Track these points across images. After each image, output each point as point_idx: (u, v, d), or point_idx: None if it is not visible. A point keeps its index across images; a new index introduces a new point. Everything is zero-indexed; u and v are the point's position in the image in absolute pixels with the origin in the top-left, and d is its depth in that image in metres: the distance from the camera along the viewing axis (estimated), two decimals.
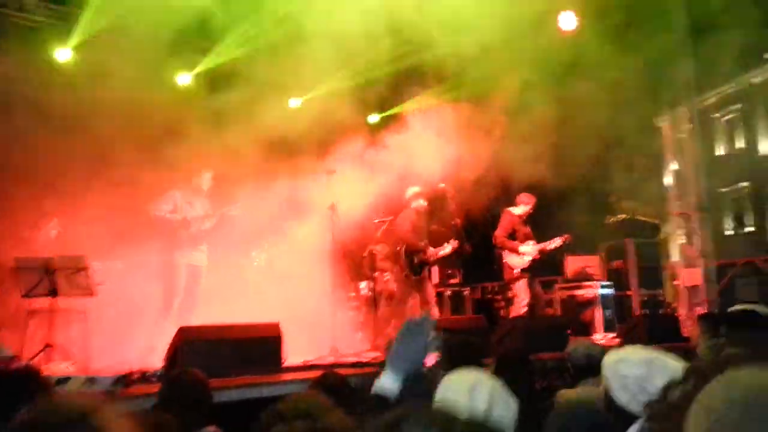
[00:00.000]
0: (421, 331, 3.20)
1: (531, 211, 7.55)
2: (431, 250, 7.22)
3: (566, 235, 7.48)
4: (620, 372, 2.08)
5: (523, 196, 7.61)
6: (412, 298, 7.09)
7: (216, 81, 9.46)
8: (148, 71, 8.60)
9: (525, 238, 7.41)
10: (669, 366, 1.96)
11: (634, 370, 2.02)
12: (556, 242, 7.41)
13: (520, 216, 7.50)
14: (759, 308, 3.87)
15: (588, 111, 10.62)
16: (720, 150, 23.07)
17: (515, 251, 7.33)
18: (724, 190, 22.37)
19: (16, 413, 2.24)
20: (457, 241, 7.22)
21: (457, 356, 3.17)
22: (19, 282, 5.23)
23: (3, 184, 6.71)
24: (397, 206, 7.78)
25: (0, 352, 4.56)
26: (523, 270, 7.32)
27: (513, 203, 7.66)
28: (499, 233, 7.42)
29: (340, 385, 2.65)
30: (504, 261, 7.49)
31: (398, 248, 7.11)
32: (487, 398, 1.83)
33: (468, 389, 1.87)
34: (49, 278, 5.12)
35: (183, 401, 2.48)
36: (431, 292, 7.33)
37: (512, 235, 7.42)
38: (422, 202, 7.31)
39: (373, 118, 11.00)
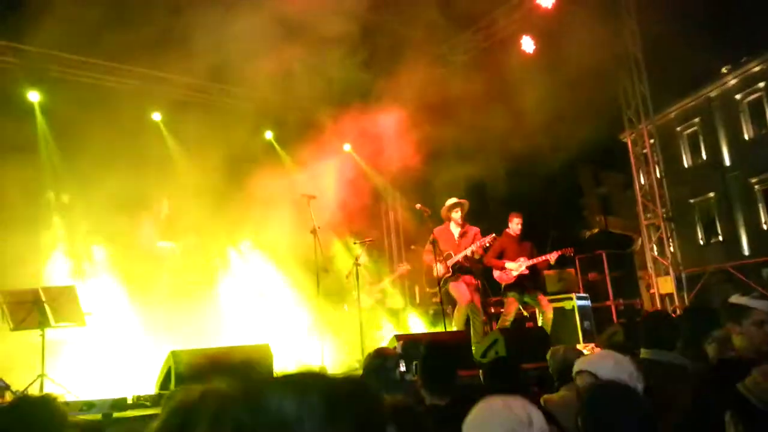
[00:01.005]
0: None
1: (517, 230, 7.90)
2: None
3: (567, 249, 7.80)
4: None
5: (512, 216, 8.05)
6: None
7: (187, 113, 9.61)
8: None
9: (516, 256, 7.78)
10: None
11: None
12: (552, 256, 7.71)
13: (510, 236, 7.91)
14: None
15: (556, 128, 11.03)
16: (686, 162, 23.78)
17: (501, 268, 7.77)
18: (692, 200, 23.03)
19: None
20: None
21: (431, 366, 3.28)
22: (8, 315, 5.25)
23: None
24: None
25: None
26: (510, 285, 7.74)
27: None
28: (488, 254, 7.81)
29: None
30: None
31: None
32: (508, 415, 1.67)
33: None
34: (38, 310, 5.16)
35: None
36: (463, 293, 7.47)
37: (500, 255, 7.83)
38: (456, 214, 7.63)
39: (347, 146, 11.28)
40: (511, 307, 7.79)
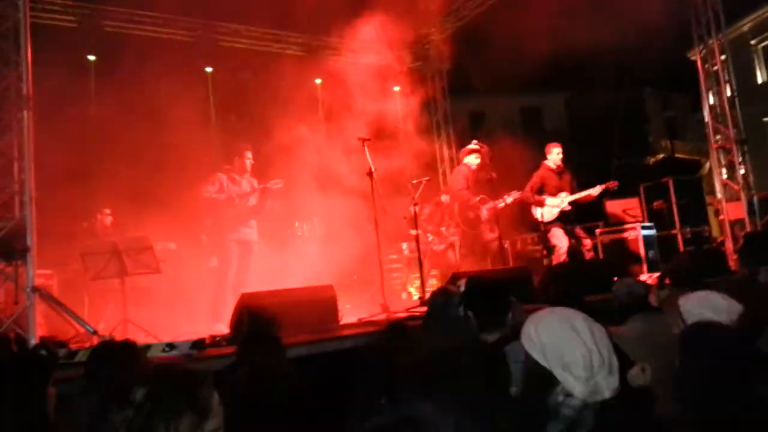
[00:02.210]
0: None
1: (562, 158, 7.56)
2: (489, 204, 7.41)
3: (610, 182, 7.45)
4: None
5: (550, 146, 7.65)
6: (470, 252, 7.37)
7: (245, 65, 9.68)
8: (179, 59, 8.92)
9: (557, 190, 7.46)
10: None
11: None
12: (595, 190, 7.41)
13: (550, 168, 7.56)
14: None
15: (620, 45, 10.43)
16: (760, 78, 22.20)
17: (541, 204, 7.47)
18: (766, 119, 21.62)
19: (116, 381, 2.52)
20: (518, 192, 7.38)
21: (479, 300, 3.29)
22: (87, 266, 5.63)
23: (57, 181, 7.11)
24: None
25: (86, 327, 4.94)
26: (552, 221, 7.43)
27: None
28: (526, 189, 7.53)
29: (405, 331, 2.87)
30: (534, 213, 7.62)
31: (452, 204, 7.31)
32: (585, 323, 1.73)
33: (568, 323, 1.76)
34: (116, 260, 5.51)
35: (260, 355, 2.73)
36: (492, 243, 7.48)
37: (541, 189, 7.52)
38: (476, 158, 7.53)
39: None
40: (562, 240, 7.40)
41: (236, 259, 6.38)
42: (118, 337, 4.72)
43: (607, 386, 1.64)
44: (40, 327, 5.07)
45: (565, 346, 1.69)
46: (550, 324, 1.77)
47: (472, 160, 7.61)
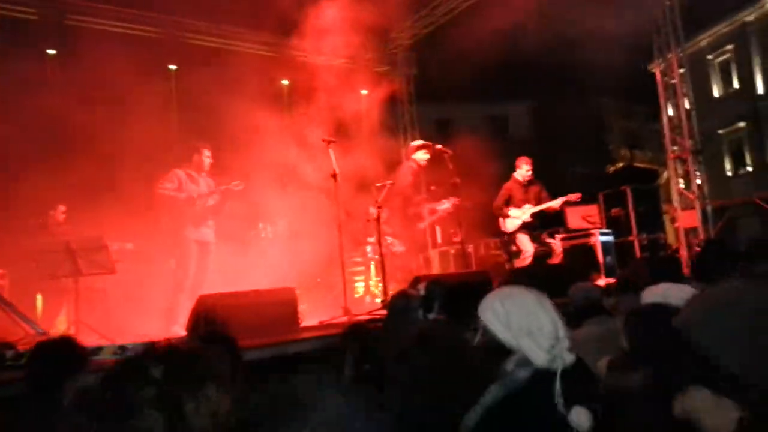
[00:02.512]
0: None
1: (527, 175, 7.96)
2: (429, 205, 7.46)
3: (575, 194, 7.87)
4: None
5: (519, 160, 8.08)
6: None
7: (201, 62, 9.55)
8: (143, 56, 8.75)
9: (522, 203, 7.93)
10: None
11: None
12: (556, 202, 7.85)
13: (518, 181, 8.01)
14: None
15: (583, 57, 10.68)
16: (716, 91, 22.98)
17: (505, 216, 8.01)
18: (721, 131, 22.39)
19: (59, 381, 2.47)
20: (458, 198, 7.45)
21: (452, 304, 3.34)
22: (39, 265, 5.45)
23: (10, 175, 6.90)
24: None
25: (34, 329, 4.78)
26: (514, 231, 7.97)
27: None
28: (495, 202, 8.09)
29: (365, 333, 2.86)
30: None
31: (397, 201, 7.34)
32: (548, 300, 1.92)
33: (534, 297, 1.94)
34: (69, 259, 5.34)
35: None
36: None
37: (508, 201, 8.00)
38: (424, 154, 7.54)
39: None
40: (528, 246, 7.89)
41: (195, 260, 6.25)
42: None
43: (567, 358, 1.77)
44: None
45: (533, 315, 1.82)
46: (518, 296, 1.91)
47: (421, 156, 7.57)
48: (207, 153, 6.50)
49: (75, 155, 7.81)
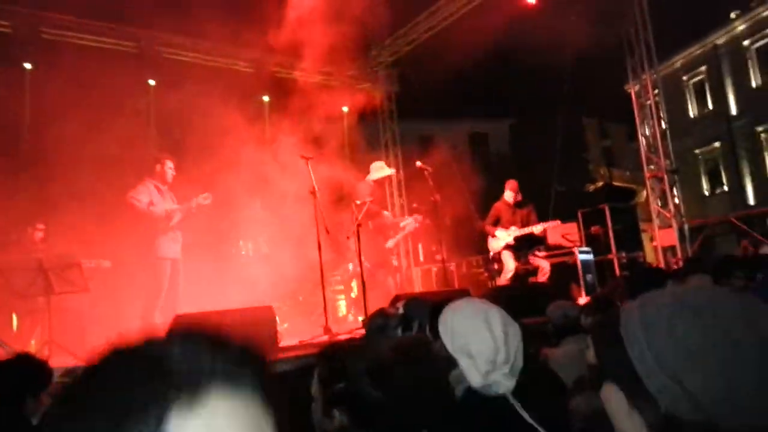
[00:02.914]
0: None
1: (517, 196, 8.19)
2: (390, 217, 7.56)
3: (555, 221, 8.24)
4: None
5: (507, 183, 8.29)
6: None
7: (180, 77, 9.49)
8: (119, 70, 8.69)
9: (509, 224, 8.09)
10: None
11: None
12: (537, 228, 7.98)
13: (506, 203, 8.19)
14: None
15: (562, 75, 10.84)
16: (692, 112, 23.45)
17: (492, 235, 8.15)
18: (698, 151, 22.82)
19: (22, 399, 2.39)
20: (422, 216, 7.81)
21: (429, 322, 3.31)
22: (12, 283, 5.32)
23: None
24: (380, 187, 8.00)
25: (5, 348, 4.65)
26: (498, 251, 8.12)
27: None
28: (485, 221, 8.27)
29: (336, 352, 2.81)
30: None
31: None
32: (500, 320, 1.79)
33: (483, 315, 1.83)
34: (42, 277, 5.22)
35: None
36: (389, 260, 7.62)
37: (497, 221, 8.16)
38: (388, 171, 7.71)
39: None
40: (510, 263, 7.98)
41: (167, 278, 6.13)
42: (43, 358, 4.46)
43: (505, 385, 1.71)
44: None
45: (472, 336, 1.75)
46: (463, 312, 1.84)
47: (386, 173, 7.75)
48: (170, 164, 6.37)
49: (53, 170, 7.70)
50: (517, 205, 8.19)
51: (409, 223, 7.75)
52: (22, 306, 6.15)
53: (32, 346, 5.35)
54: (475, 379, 1.72)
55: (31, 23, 8.38)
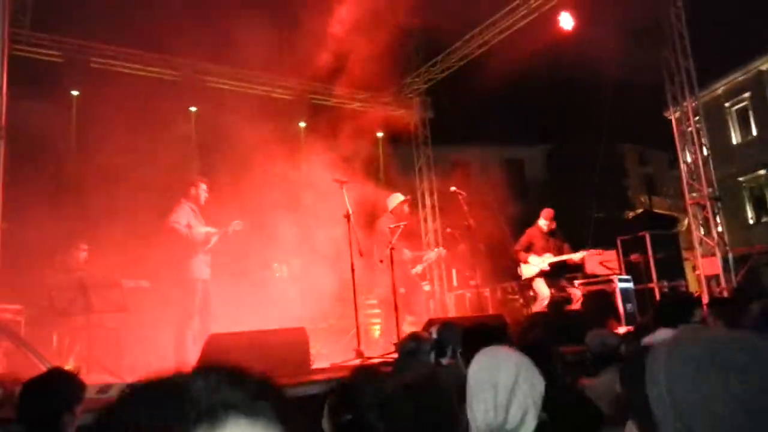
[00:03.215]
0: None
1: (551, 225, 8.08)
2: (413, 253, 7.59)
3: (598, 250, 8.37)
4: None
5: (543, 211, 8.19)
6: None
7: (221, 104, 9.74)
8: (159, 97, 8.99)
9: (543, 251, 7.99)
10: None
11: None
12: (576, 255, 7.93)
13: (541, 230, 8.10)
14: None
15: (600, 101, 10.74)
16: (735, 139, 22.88)
17: (525, 261, 8.06)
18: (742, 178, 22.17)
19: (58, 416, 2.42)
20: (444, 251, 7.95)
21: (472, 340, 3.27)
22: (54, 300, 5.46)
23: (32, 210, 6.99)
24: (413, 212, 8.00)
25: (46, 366, 4.75)
26: (531, 277, 8.01)
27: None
28: (516, 246, 8.21)
29: (373, 377, 2.78)
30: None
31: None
32: (514, 370, 1.79)
33: (494, 361, 1.86)
34: (83, 296, 5.35)
35: None
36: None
37: (529, 248, 8.08)
38: (405, 209, 7.61)
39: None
40: (544, 290, 7.88)
41: (199, 298, 6.19)
42: (83, 377, 4.54)
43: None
44: None
45: (472, 396, 1.78)
46: (476, 370, 1.84)
47: (399, 209, 7.62)
48: (203, 187, 6.48)
49: (97, 192, 7.94)
50: (551, 233, 8.09)
51: (431, 257, 7.80)
52: (62, 325, 6.29)
53: (70, 363, 5.45)
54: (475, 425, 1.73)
55: (80, 53, 8.75)
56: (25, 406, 2.40)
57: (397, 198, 7.66)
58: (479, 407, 1.73)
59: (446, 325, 4.92)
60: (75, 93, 8.88)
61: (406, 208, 7.66)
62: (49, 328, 6.37)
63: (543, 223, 8.10)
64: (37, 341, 5.42)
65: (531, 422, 1.70)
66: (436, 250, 8.20)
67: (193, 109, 9.96)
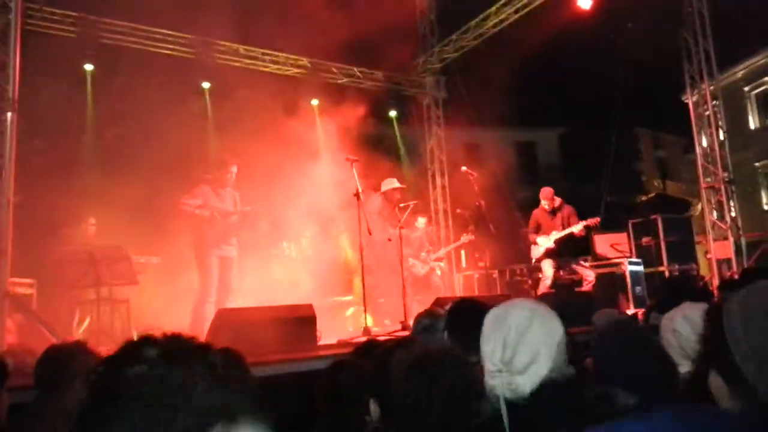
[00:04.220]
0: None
1: (552, 203, 8.01)
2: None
3: (593, 219, 7.81)
4: None
5: (541, 192, 8.15)
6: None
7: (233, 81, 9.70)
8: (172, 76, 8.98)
9: (550, 229, 7.98)
10: None
11: None
12: (576, 227, 7.75)
13: (544, 209, 8.08)
14: None
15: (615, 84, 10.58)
16: (753, 124, 22.51)
17: (534, 243, 8.09)
18: (758, 164, 21.85)
19: (68, 384, 2.45)
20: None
21: (457, 318, 3.27)
22: (64, 274, 5.53)
23: (44, 185, 7.05)
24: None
25: (57, 338, 4.83)
26: (540, 258, 8.05)
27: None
28: (528, 229, 8.26)
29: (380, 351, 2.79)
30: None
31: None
32: (528, 314, 1.71)
33: (510, 306, 1.78)
34: (93, 269, 5.41)
35: None
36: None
37: (538, 229, 8.09)
38: (396, 184, 7.81)
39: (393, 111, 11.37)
40: (548, 271, 7.90)
41: (216, 275, 6.25)
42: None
43: (521, 387, 1.60)
44: (11, 334, 4.95)
45: (484, 338, 1.72)
46: (491, 314, 1.78)
47: (390, 193, 7.79)
48: (233, 168, 6.53)
49: (110, 169, 7.99)
50: (555, 211, 8.02)
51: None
52: (73, 297, 6.38)
53: (80, 336, 5.52)
54: (491, 383, 1.66)
55: (93, 28, 8.73)
56: (41, 370, 2.45)
57: (391, 183, 7.66)
58: (488, 347, 1.69)
59: (458, 303, 4.91)
60: (89, 68, 8.86)
61: (398, 195, 7.71)
62: (60, 300, 6.47)
63: (543, 203, 8.10)
64: (48, 314, 5.50)
65: (542, 367, 1.63)
66: (464, 236, 8.47)
67: (206, 85, 9.93)
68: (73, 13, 8.55)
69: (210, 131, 9.83)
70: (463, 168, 7.59)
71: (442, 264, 8.85)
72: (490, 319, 1.77)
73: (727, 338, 1.00)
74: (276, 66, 10.50)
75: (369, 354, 2.83)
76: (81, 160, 8.19)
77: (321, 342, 5.11)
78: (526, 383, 1.61)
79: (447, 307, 5.34)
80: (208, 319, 5.58)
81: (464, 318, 3.30)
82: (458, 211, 8.84)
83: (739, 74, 22.18)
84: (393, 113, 11.58)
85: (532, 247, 8.16)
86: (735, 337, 0.99)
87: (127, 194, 7.62)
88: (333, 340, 5.45)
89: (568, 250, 8.06)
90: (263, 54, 10.24)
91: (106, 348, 4.65)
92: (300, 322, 4.82)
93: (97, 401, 0.73)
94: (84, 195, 7.58)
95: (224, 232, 6.34)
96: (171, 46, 9.45)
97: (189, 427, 0.62)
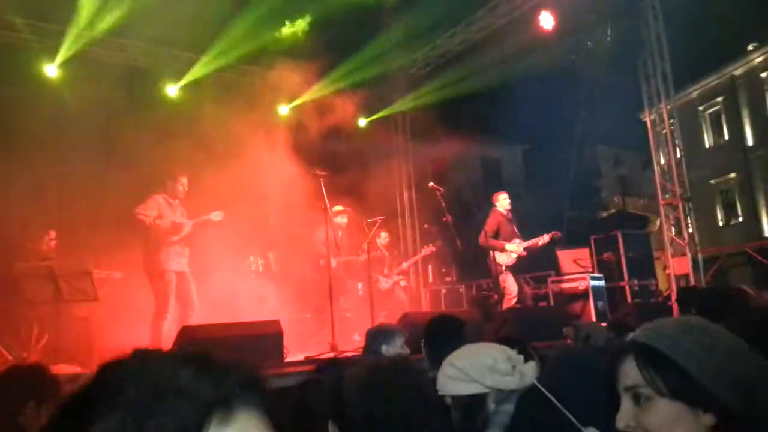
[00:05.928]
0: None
1: (509, 204, 7.92)
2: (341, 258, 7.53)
3: (554, 232, 7.83)
4: None
5: (498, 194, 8.04)
6: None
7: (203, 91, 9.60)
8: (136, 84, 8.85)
9: (510, 236, 7.76)
10: None
11: None
12: (543, 239, 7.73)
13: (502, 214, 7.87)
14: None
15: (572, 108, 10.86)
16: (708, 142, 23.35)
17: (502, 250, 7.68)
18: (713, 181, 22.65)
19: (26, 408, 2.37)
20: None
21: (435, 332, 3.30)
22: (23, 289, 5.34)
23: (4, 200, 6.83)
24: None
25: (13, 355, 4.66)
26: (509, 265, 7.70)
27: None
28: (485, 233, 7.71)
29: (342, 370, 2.77)
30: (492, 258, 7.80)
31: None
32: (501, 355, 1.87)
33: (480, 345, 1.97)
34: (52, 284, 5.24)
35: None
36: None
37: (497, 234, 7.74)
38: (342, 219, 7.76)
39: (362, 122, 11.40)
40: (513, 286, 7.66)
41: (174, 291, 6.09)
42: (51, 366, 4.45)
43: (529, 371, 1.81)
44: None
45: (482, 356, 1.86)
46: (460, 352, 1.93)
47: (339, 219, 7.71)
48: (183, 180, 6.39)
49: (70, 182, 7.78)
50: (512, 219, 7.90)
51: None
52: (31, 313, 6.16)
53: (37, 354, 5.33)
54: (511, 382, 1.79)
55: (53, 37, 8.55)
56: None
57: (336, 208, 7.61)
58: (496, 361, 1.83)
59: (417, 319, 4.93)
60: (51, 75, 8.65)
61: (341, 218, 7.70)
62: (18, 316, 6.24)
63: (502, 206, 7.85)
64: (3, 330, 5.30)
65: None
66: (425, 248, 8.53)
67: (170, 92, 9.77)
68: (33, 22, 8.37)
69: (170, 141, 9.66)
70: (431, 184, 7.65)
71: (403, 281, 8.71)
72: (470, 350, 1.95)
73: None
74: (242, 78, 10.47)
75: (333, 371, 2.83)
76: (40, 173, 7.95)
77: (288, 359, 5.06)
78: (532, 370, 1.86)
79: (405, 321, 5.36)
80: (166, 337, 5.47)
81: (442, 332, 3.33)
82: (425, 226, 8.91)
83: (694, 94, 23.04)
84: (362, 123, 11.65)
85: (497, 254, 7.71)
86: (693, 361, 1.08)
87: (89, 208, 7.46)
88: (300, 357, 5.40)
89: (523, 261, 7.85)
90: (226, 65, 10.16)
91: (65, 365, 4.52)
92: (266, 338, 4.76)
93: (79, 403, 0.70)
94: (43, 209, 7.37)
95: (178, 244, 6.20)
96: (132, 57, 9.32)
97: (184, 419, 0.60)
